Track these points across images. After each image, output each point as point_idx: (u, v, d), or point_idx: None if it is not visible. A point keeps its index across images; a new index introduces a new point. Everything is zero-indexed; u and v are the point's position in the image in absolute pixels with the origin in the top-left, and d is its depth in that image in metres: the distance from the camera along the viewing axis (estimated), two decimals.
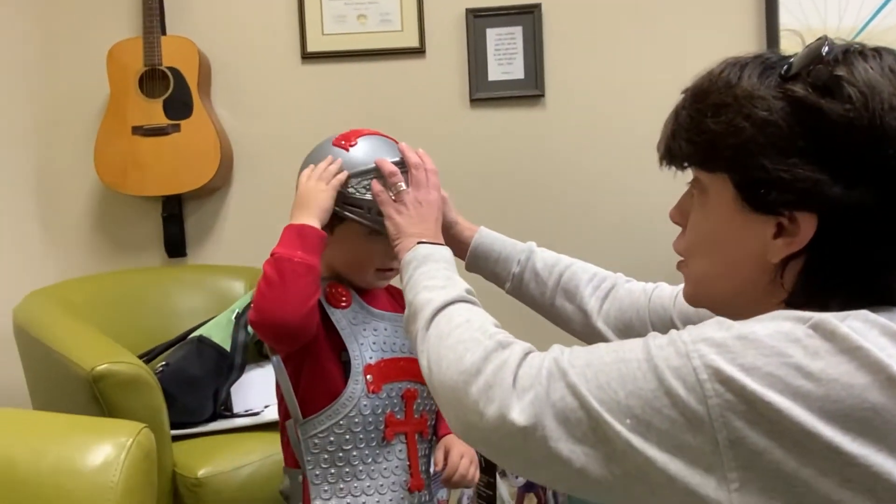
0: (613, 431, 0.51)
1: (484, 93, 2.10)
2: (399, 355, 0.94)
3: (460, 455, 0.97)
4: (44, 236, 2.16)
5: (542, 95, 2.11)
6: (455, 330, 0.67)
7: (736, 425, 0.48)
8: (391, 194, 0.89)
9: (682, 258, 0.67)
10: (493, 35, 2.09)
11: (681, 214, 0.66)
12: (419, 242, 0.82)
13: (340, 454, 0.90)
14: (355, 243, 0.94)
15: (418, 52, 2.11)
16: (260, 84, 2.14)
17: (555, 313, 0.96)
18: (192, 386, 1.53)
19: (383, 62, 2.12)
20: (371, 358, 0.91)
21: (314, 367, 0.91)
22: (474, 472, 0.98)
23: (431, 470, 0.98)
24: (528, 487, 1.85)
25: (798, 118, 0.54)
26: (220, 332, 1.64)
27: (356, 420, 0.89)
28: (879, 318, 0.51)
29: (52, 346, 1.38)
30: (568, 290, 0.95)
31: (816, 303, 0.55)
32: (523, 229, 2.19)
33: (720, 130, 0.57)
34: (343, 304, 0.93)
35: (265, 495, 1.32)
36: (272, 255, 0.86)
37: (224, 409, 1.60)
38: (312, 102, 2.13)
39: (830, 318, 0.50)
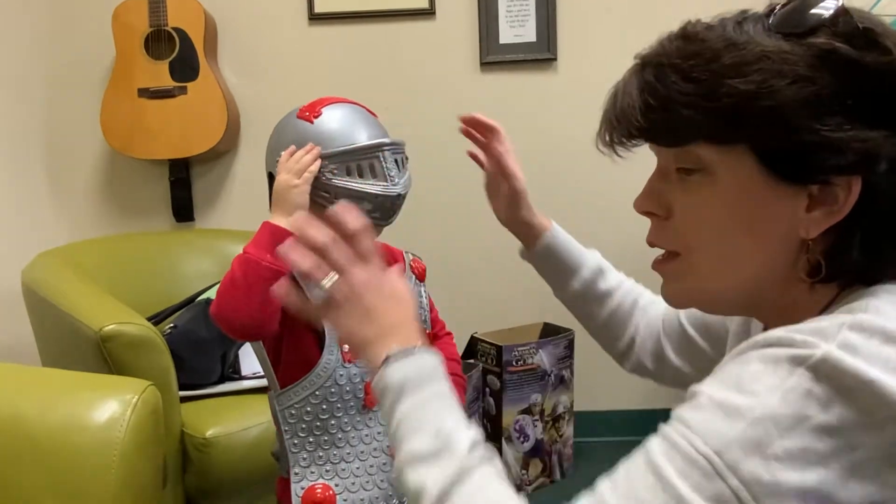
0: None
1: (495, 56, 2.06)
2: None
3: None
4: (52, 199, 2.16)
5: (555, 59, 2.06)
6: None
7: None
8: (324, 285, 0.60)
9: (661, 255, 0.60)
10: None
11: (659, 203, 0.58)
12: (384, 361, 0.58)
13: (318, 423, 0.90)
14: (320, 216, 0.93)
15: (428, 13, 2.07)
16: (267, 45, 2.10)
17: (596, 333, 0.92)
18: (201, 348, 1.54)
19: (392, 24, 2.08)
20: None
21: (291, 340, 0.91)
22: None
23: None
24: (534, 453, 1.87)
25: (835, 73, 0.49)
26: None
27: (332, 390, 0.89)
28: (876, 321, 0.46)
29: (61, 307, 1.38)
30: (618, 323, 0.89)
31: (843, 280, 0.52)
32: (533, 196, 2.17)
33: (750, 91, 0.50)
34: None
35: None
36: (244, 251, 0.86)
37: (232, 371, 1.61)
38: (320, 64, 2.10)
39: (831, 353, 0.45)
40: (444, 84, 2.09)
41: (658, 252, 0.62)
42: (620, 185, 2.15)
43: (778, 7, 0.53)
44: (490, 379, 1.83)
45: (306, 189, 0.86)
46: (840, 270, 0.52)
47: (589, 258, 0.90)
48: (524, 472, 1.85)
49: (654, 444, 0.48)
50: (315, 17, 2.08)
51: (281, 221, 0.87)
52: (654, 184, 0.59)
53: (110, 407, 0.82)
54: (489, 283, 2.10)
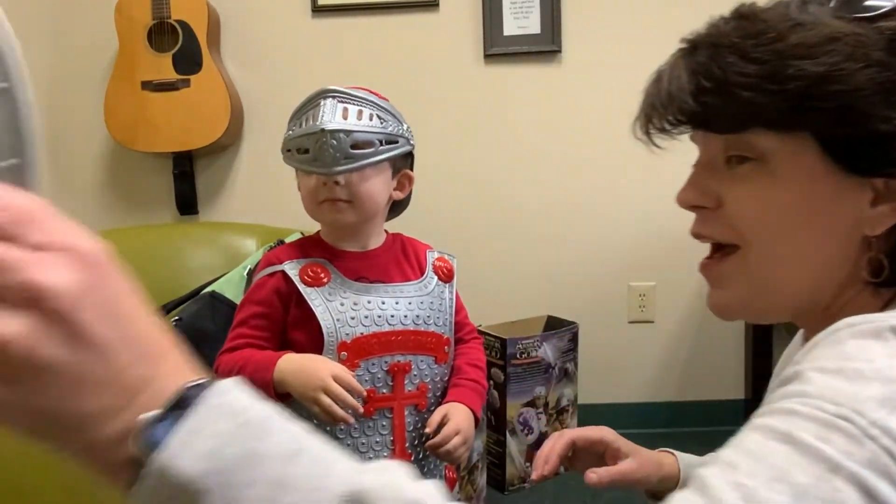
0: None
1: (498, 48, 2.05)
2: (387, 329, 0.91)
3: (455, 430, 0.92)
4: (56, 192, 2.15)
5: (559, 51, 2.05)
6: None
7: None
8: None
9: (708, 257, 0.56)
10: None
11: (706, 195, 0.53)
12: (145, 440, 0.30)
13: (311, 430, 0.89)
14: (300, 184, 0.96)
15: (431, 5, 2.06)
16: (270, 38, 2.10)
17: None
18: (206, 340, 1.54)
19: (396, 16, 2.07)
20: (347, 335, 0.89)
21: (294, 347, 0.92)
22: (462, 453, 0.93)
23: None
24: (538, 445, 1.87)
25: None
26: (232, 288, 1.64)
27: None
28: None
29: None
30: None
31: None
32: (537, 190, 2.17)
33: (820, 74, 0.46)
34: (323, 280, 0.92)
35: None
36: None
37: None
38: (323, 57, 2.09)
39: None
40: (448, 76, 2.08)
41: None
42: (624, 177, 2.14)
43: None
44: (494, 372, 1.83)
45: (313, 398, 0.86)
46: (892, 276, 0.49)
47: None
48: (528, 464, 1.85)
49: (768, 421, 0.40)
50: (318, 10, 2.07)
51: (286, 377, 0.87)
52: (699, 175, 0.54)
53: None
54: (493, 276, 2.10)
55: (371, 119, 0.91)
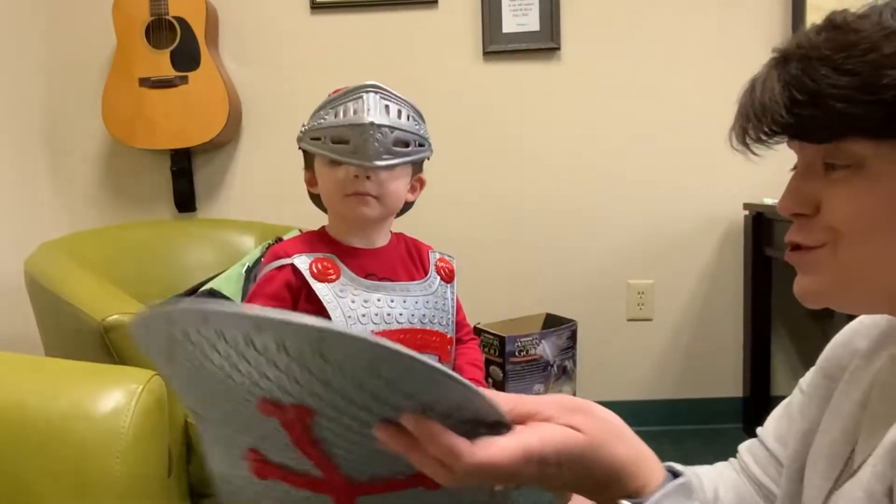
0: None
1: (498, 45, 2.05)
2: (395, 327, 0.92)
3: None
4: (54, 189, 2.15)
5: (558, 48, 2.05)
6: None
7: None
8: None
9: (795, 248, 0.57)
10: None
11: (806, 202, 0.55)
12: None
13: None
14: (323, 175, 0.95)
15: (430, 2, 2.05)
16: (268, 35, 2.09)
17: None
18: None
19: (394, 12, 2.06)
20: None
21: None
22: None
23: None
24: None
25: None
26: (230, 285, 1.64)
27: None
28: None
29: (64, 297, 1.38)
30: None
31: None
32: (536, 188, 2.16)
33: None
34: (331, 276, 0.92)
35: None
36: None
37: None
38: (322, 54, 2.09)
39: None
40: (447, 74, 2.08)
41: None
42: (622, 175, 2.14)
43: None
44: (493, 370, 1.83)
45: None
46: None
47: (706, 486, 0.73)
48: None
49: None
50: (317, 6, 2.07)
51: None
52: (798, 182, 0.55)
53: (115, 397, 0.82)
54: (492, 274, 2.10)
55: (408, 119, 0.95)
